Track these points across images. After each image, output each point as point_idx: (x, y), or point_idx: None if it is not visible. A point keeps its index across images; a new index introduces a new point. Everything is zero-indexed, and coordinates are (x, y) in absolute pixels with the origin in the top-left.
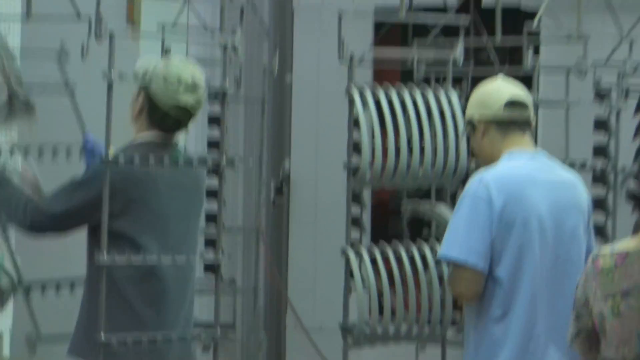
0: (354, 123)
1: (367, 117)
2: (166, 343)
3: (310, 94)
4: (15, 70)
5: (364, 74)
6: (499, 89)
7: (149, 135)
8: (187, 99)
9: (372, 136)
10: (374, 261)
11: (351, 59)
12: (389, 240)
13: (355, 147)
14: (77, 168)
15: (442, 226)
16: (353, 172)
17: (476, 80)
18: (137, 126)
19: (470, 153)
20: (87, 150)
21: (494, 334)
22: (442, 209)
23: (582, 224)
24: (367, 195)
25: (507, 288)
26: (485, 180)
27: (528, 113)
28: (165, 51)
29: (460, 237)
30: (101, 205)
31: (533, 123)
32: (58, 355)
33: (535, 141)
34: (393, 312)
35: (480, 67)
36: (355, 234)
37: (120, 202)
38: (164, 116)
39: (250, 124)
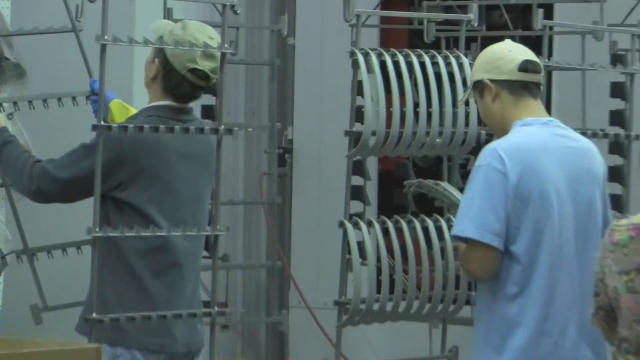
0: (359, 88)
1: (371, 81)
2: (175, 318)
3: (314, 58)
4: (4, 32)
5: (370, 36)
6: (511, 51)
7: (163, 102)
8: (205, 63)
9: (377, 102)
10: (384, 233)
11: (357, 17)
12: (394, 212)
13: (361, 114)
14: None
15: (447, 205)
16: (355, 139)
17: (486, 44)
18: (151, 92)
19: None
20: (94, 99)
21: (507, 313)
22: (447, 186)
23: (598, 194)
24: (373, 165)
25: (524, 265)
26: (500, 151)
27: (541, 76)
28: (167, 11)
29: (474, 212)
30: (110, 174)
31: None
32: (62, 327)
33: (549, 107)
34: (393, 289)
35: (491, 29)
36: (359, 205)
37: (130, 170)
38: (179, 82)
39: (251, 89)
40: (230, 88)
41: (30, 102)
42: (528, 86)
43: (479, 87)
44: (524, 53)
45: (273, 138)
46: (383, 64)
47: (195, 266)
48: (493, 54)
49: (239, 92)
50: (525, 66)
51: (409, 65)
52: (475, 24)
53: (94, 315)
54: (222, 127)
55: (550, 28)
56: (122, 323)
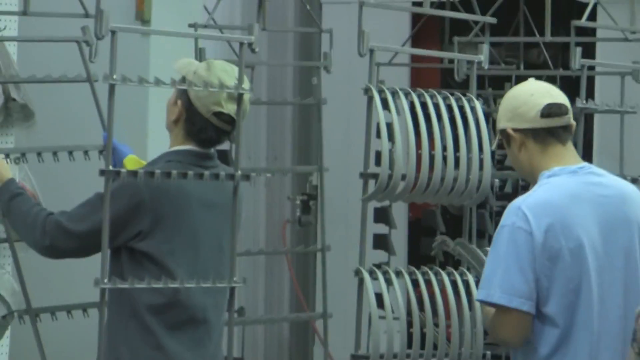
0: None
1: (389, 121)
2: None
3: (341, 97)
4: (14, 77)
5: (401, 75)
6: (533, 94)
7: (184, 147)
8: (230, 107)
9: (394, 143)
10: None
11: (371, 52)
12: (424, 263)
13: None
14: (84, 175)
15: (475, 269)
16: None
17: None
18: (172, 136)
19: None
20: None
21: None
22: (475, 249)
23: (637, 241)
24: (403, 212)
25: (561, 327)
26: (524, 209)
27: (568, 118)
28: (199, 51)
29: (500, 276)
30: (129, 223)
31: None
32: None
33: (591, 150)
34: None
35: (530, 68)
36: (384, 255)
37: (150, 219)
38: (204, 126)
39: (273, 132)
40: (251, 130)
41: (39, 153)
42: (554, 132)
43: (504, 135)
44: (548, 95)
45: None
46: (412, 105)
47: (218, 322)
48: (514, 100)
49: (260, 134)
50: (549, 111)
51: (424, 106)
52: (486, 66)
53: None
54: (239, 172)
55: (590, 68)
56: None
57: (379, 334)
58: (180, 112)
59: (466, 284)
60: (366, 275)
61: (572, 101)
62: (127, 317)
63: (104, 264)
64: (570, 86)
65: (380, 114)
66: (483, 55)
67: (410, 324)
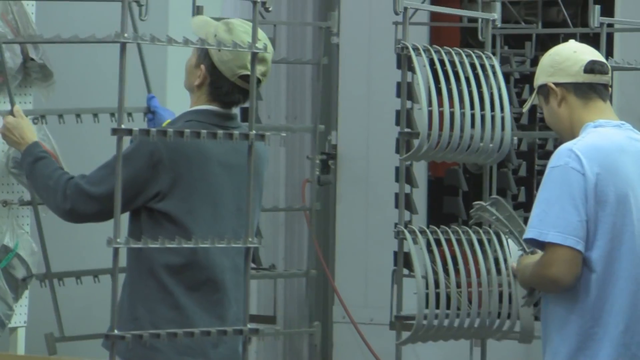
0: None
1: (423, 80)
2: (204, 336)
3: (360, 57)
4: (32, 32)
5: (420, 35)
6: (576, 51)
7: (205, 106)
8: (257, 69)
9: (422, 103)
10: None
11: (405, 10)
12: (444, 221)
13: (409, 115)
14: (104, 137)
15: (506, 233)
16: (406, 144)
17: (542, 42)
18: (194, 97)
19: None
20: (150, 117)
21: (582, 326)
22: (516, 216)
23: None
24: (422, 172)
25: (599, 273)
26: (576, 151)
27: (608, 77)
28: (197, 9)
29: (554, 215)
30: (148, 184)
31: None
32: (85, 349)
33: None
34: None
35: (549, 26)
36: (405, 214)
37: (169, 179)
38: (230, 90)
39: (293, 91)
40: (271, 89)
41: (61, 115)
42: (596, 88)
43: (544, 91)
44: (590, 53)
45: (317, 143)
46: (432, 63)
47: (238, 283)
48: (557, 56)
49: (280, 93)
50: (592, 67)
51: (453, 64)
52: (499, 24)
53: (115, 331)
54: (253, 132)
55: (609, 25)
56: (153, 341)
57: (423, 295)
58: (205, 76)
59: (489, 242)
60: (409, 237)
61: None
62: (146, 277)
63: (117, 224)
64: (589, 44)
65: (418, 74)
66: (496, 14)
67: (437, 284)
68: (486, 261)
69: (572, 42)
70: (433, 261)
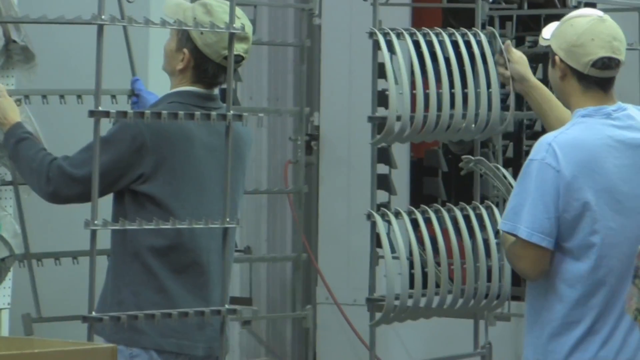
0: (381, 70)
1: (395, 63)
2: (182, 317)
3: (342, 39)
4: (13, 14)
5: (403, 16)
6: (594, 39)
7: (187, 87)
8: (239, 47)
9: (401, 85)
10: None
11: None
12: (426, 202)
13: (385, 98)
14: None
15: (503, 192)
16: (380, 125)
17: (523, 23)
18: (176, 80)
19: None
20: (135, 100)
21: (558, 312)
22: (507, 174)
23: None
24: (405, 153)
25: (579, 264)
26: (555, 146)
27: (615, 72)
28: None
29: (525, 210)
30: (131, 166)
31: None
32: (63, 331)
33: None
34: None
35: (533, 7)
36: (386, 195)
37: (152, 161)
38: (216, 71)
39: (275, 72)
40: (253, 71)
41: (44, 96)
42: (599, 81)
43: (552, 54)
44: (608, 46)
45: (300, 124)
46: (416, 45)
47: (220, 266)
48: (575, 36)
49: (262, 75)
50: (601, 65)
51: (430, 44)
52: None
53: (93, 313)
54: (231, 112)
55: (589, 4)
56: (137, 324)
57: (393, 276)
58: (188, 59)
59: (467, 220)
60: (379, 219)
61: None
62: (130, 260)
63: (95, 206)
64: None
65: (386, 57)
66: None
67: (413, 264)
68: (472, 239)
69: (599, 20)
70: (410, 242)
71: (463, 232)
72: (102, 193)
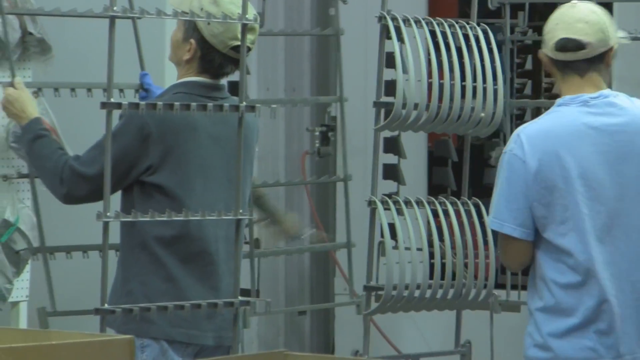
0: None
1: (402, 51)
2: (195, 309)
3: (358, 28)
4: (29, 6)
5: (418, 5)
6: (558, 23)
7: (193, 78)
8: (247, 38)
9: (409, 73)
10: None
11: None
12: (435, 193)
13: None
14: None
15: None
16: (385, 114)
17: (538, 10)
18: (182, 70)
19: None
20: (143, 95)
21: (548, 301)
22: None
23: None
24: (421, 142)
25: (558, 253)
26: (522, 136)
27: (585, 53)
28: None
29: (497, 202)
30: (139, 158)
31: (611, 53)
32: (79, 324)
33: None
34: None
35: None
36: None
37: (159, 152)
38: (223, 62)
39: (291, 63)
40: (269, 62)
41: (56, 89)
42: (570, 64)
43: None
44: (569, 28)
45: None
46: (433, 34)
47: (230, 255)
48: (547, 24)
49: (277, 65)
50: (562, 46)
51: (433, 34)
52: None
53: (105, 305)
54: (244, 103)
55: None
56: (146, 314)
57: (392, 264)
58: (195, 49)
59: (479, 213)
60: (379, 205)
61: None
62: (138, 251)
63: (107, 197)
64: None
65: (395, 44)
66: None
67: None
68: (462, 232)
69: (567, 6)
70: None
71: (454, 227)
72: (113, 188)
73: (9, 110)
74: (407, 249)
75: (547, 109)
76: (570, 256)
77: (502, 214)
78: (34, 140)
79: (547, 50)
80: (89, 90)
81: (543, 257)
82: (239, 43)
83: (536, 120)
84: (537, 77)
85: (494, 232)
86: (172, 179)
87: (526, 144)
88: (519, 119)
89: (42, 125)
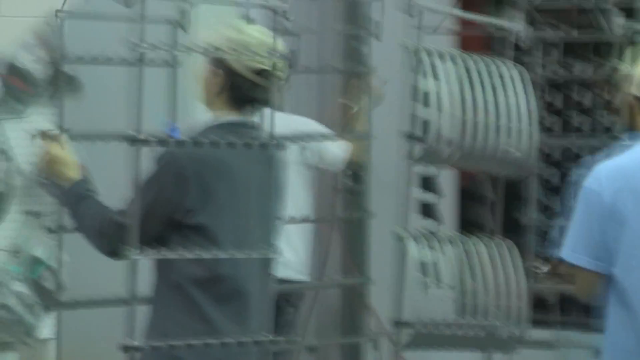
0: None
1: (434, 85)
2: (224, 347)
3: (391, 64)
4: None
5: (447, 43)
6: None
7: (227, 118)
8: (268, 61)
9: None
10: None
11: (419, 12)
12: (471, 229)
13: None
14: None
15: None
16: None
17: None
18: (214, 108)
19: None
20: None
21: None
22: None
23: None
24: (452, 180)
25: (620, 289)
26: (598, 171)
27: None
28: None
29: (572, 234)
30: (180, 202)
31: None
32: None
33: None
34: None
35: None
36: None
37: (196, 194)
38: (250, 86)
39: (323, 98)
40: (302, 98)
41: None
42: None
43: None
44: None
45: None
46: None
47: (263, 294)
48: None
49: (310, 102)
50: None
51: (479, 73)
52: (522, 35)
53: (134, 342)
54: (274, 141)
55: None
56: (178, 353)
57: (419, 300)
58: (223, 81)
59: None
60: (409, 240)
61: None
62: (173, 292)
63: (134, 235)
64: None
65: (430, 80)
66: (519, 24)
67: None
68: (495, 272)
69: None
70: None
71: (485, 267)
72: (154, 232)
73: (51, 169)
74: (439, 285)
75: (579, 147)
76: (625, 291)
77: (576, 245)
78: (77, 202)
79: (635, 89)
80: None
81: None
82: (262, 66)
83: (616, 157)
84: (566, 115)
85: (528, 270)
86: (209, 220)
87: (604, 178)
88: (578, 157)
89: (86, 185)
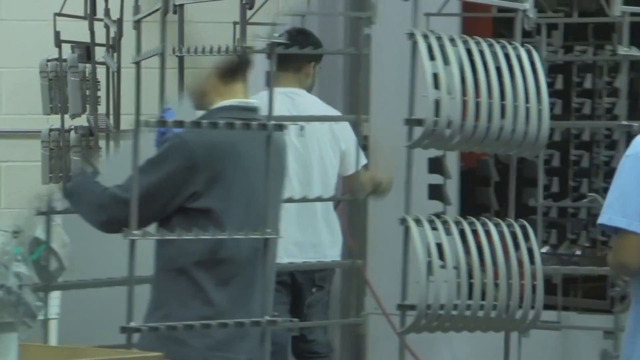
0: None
1: (435, 68)
2: (221, 327)
3: (394, 47)
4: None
5: (452, 26)
6: None
7: (227, 102)
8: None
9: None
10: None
11: None
12: (477, 213)
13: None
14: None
15: None
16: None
17: (573, 31)
18: (211, 94)
19: None
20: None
21: None
22: None
23: None
24: (454, 162)
25: None
26: None
27: None
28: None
29: (622, 200)
30: (184, 186)
31: None
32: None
33: (635, 103)
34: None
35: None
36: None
37: (203, 178)
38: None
39: (323, 81)
40: None
41: None
42: None
43: None
44: None
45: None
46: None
47: (262, 277)
48: None
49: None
50: None
51: (469, 52)
52: (531, 15)
53: (132, 324)
54: (272, 122)
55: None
56: (184, 336)
57: (425, 283)
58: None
59: (513, 235)
60: (412, 223)
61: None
62: (176, 274)
63: (134, 215)
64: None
65: (426, 61)
66: (528, 4)
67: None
68: (505, 252)
69: None
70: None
71: (497, 249)
72: (156, 214)
73: None
74: (443, 267)
75: (578, 129)
76: None
77: (629, 211)
78: (76, 178)
79: None
80: None
81: None
82: None
83: None
84: (567, 97)
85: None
86: (216, 203)
87: None
88: (577, 138)
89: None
